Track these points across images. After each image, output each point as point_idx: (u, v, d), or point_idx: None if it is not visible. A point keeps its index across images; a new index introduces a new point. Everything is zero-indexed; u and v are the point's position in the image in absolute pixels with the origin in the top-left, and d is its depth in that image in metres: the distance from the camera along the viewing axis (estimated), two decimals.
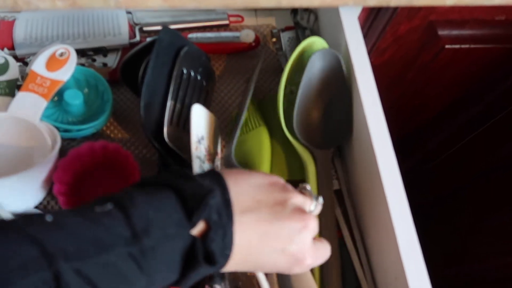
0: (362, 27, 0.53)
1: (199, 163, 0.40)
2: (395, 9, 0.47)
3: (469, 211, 0.88)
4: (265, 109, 0.49)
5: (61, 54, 0.43)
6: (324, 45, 0.46)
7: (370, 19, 0.51)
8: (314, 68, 0.43)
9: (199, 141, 0.41)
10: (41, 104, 0.40)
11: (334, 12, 0.48)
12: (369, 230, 0.41)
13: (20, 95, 0.40)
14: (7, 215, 0.36)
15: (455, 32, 0.52)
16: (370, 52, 0.54)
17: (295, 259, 0.28)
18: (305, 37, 0.56)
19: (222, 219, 0.25)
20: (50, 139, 0.39)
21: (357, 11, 0.49)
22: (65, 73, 0.43)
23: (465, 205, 0.90)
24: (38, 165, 0.37)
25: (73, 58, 0.44)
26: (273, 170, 0.46)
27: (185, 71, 0.44)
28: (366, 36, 0.54)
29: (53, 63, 0.43)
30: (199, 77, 0.46)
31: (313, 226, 0.29)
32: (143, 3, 0.34)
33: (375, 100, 0.41)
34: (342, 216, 0.44)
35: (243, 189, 0.27)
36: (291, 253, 0.27)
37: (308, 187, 0.32)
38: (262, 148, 0.46)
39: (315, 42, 0.45)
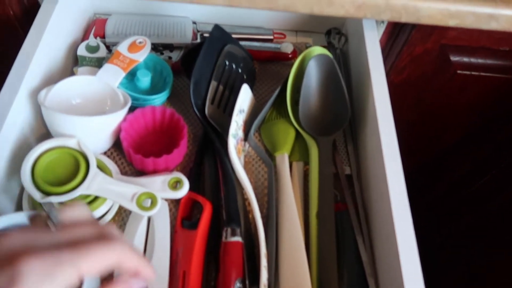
0: (384, 48, 0.63)
1: (235, 127, 0.49)
2: (411, 31, 0.56)
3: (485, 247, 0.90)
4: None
5: (140, 42, 0.56)
6: (322, 52, 0.55)
7: (391, 41, 0.61)
8: (312, 70, 0.54)
9: (240, 111, 0.51)
10: (120, 74, 0.52)
11: (358, 33, 0.58)
12: (372, 207, 0.48)
13: (106, 66, 0.53)
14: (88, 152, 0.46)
15: (465, 59, 0.60)
16: (390, 70, 0.63)
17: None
18: (336, 56, 0.66)
19: None
20: (123, 100, 0.51)
21: (379, 34, 0.59)
22: (141, 55, 0.55)
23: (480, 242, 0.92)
24: (112, 114, 0.48)
25: (148, 46, 0.56)
26: (291, 152, 0.54)
27: (227, 62, 0.55)
28: (387, 56, 0.63)
29: (133, 47, 0.55)
30: (240, 70, 0.57)
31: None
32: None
33: (385, 100, 0.49)
34: (350, 196, 0.51)
35: None
36: None
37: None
38: (288, 133, 0.55)
39: (314, 50, 0.55)
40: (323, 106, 0.55)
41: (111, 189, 0.44)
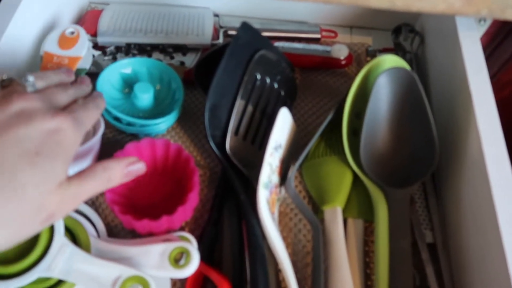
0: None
1: (268, 172, 0.34)
2: None
3: None
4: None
5: (72, 33, 0.41)
6: (397, 64, 0.38)
7: (493, 45, 0.43)
8: (383, 90, 0.37)
9: (276, 148, 0.35)
10: None
11: (448, 33, 0.40)
12: None
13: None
14: None
15: None
16: None
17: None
18: (406, 61, 0.49)
19: None
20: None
21: (479, 33, 0.41)
22: (80, 49, 0.40)
23: None
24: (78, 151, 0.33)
25: (83, 34, 0.41)
26: (346, 205, 0.38)
27: (258, 76, 0.39)
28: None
29: (66, 41, 0.40)
30: (276, 86, 0.41)
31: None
32: None
33: (498, 141, 0.33)
34: (435, 277, 0.35)
35: None
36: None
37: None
38: (343, 177, 0.39)
39: (386, 61, 0.38)
40: (396, 142, 0.38)
41: (83, 270, 0.30)
